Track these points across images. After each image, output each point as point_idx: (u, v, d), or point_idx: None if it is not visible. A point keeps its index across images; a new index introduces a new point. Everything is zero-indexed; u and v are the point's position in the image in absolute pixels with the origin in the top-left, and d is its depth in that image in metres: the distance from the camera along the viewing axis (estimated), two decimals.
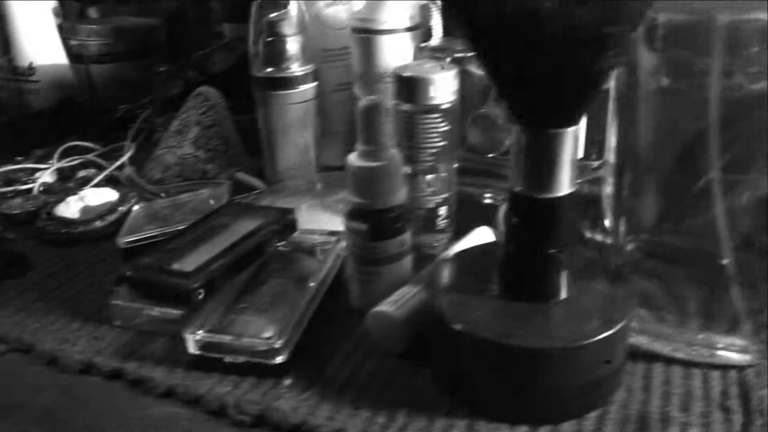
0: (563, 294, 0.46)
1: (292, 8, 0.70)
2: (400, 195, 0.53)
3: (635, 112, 0.48)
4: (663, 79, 0.47)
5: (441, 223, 0.63)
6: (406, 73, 0.59)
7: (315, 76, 0.73)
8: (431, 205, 0.62)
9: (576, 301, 0.46)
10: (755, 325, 0.49)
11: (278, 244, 0.62)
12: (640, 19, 0.39)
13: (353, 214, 0.53)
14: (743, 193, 0.47)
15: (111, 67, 1.03)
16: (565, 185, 0.43)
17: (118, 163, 0.82)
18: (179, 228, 0.63)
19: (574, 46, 0.37)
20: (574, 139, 0.42)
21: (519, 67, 0.39)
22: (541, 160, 0.42)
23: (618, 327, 0.44)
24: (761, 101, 0.45)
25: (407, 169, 0.60)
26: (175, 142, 0.79)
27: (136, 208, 0.72)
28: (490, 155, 0.69)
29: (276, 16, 0.70)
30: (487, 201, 0.71)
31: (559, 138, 0.42)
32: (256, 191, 0.74)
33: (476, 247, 0.55)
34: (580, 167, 0.73)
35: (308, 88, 0.72)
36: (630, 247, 0.51)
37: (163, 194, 0.76)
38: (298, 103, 0.72)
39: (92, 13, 1.14)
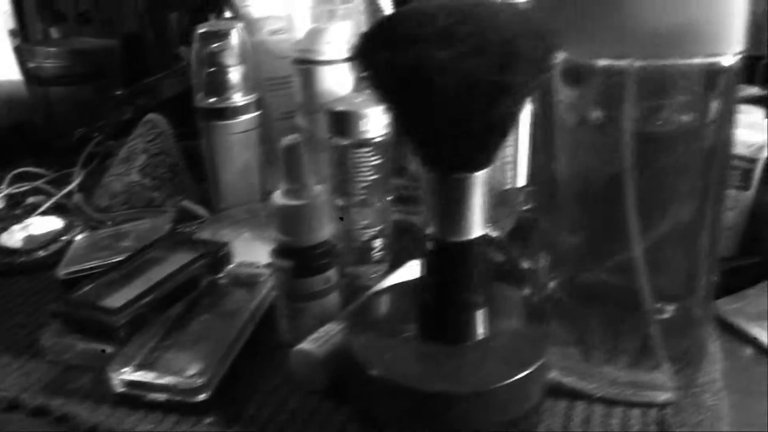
0: (480, 335, 0.46)
1: (234, 38, 0.71)
2: (325, 232, 0.53)
3: (553, 147, 0.48)
4: (594, 113, 0.47)
5: (376, 255, 0.63)
6: (338, 108, 0.59)
7: (258, 105, 0.73)
8: (365, 238, 0.62)
9: (493, 341, 0.46)
10: (676, 363, 0.49)
11: (215, 277, 0.62)
12: (541, 68, 0.39)
13: (278, 252, 0.53)
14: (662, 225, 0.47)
15: (69, 89, 1.03)
16: (475, 229, 0.43)
17: (66, 190, 0.82)
18: (117, 260, 0.63)
19: (471, 95, 0.37)
20: (484, 183, 0.42)
21: (420, 115, 0.39)
22: (449, 205, 0.43)
23: (532, 368, 0.44)
24: (687, 135, 0.46)
25: (340, 202, 0.60)
26: (123, 169, 0.79)
27: (78, 237, 0.72)
28: None
29: (217, 46, 0.70)
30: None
31: (467, 182, 0.42)
32: (199, 220, 0.74)
33: (400, 284, 0.55)
34: (526, 194, 0.74)
35: (251, 117, 0.72)
36: (553, 284, 0.51)
37: (109, 222, 0.76)
38: (241, 132, 0.72)
39: (54, 33, 1.14)
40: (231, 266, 0.63)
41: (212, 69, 0.71)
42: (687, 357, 0.50)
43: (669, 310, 0.49)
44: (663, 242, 0.48)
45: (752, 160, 0.65)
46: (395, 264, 0.63)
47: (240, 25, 0.72)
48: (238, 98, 0.72)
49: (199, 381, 0.50)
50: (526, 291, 0.53)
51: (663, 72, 0.43)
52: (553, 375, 0.51)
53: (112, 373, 0.51)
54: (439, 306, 0.46)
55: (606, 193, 0.47)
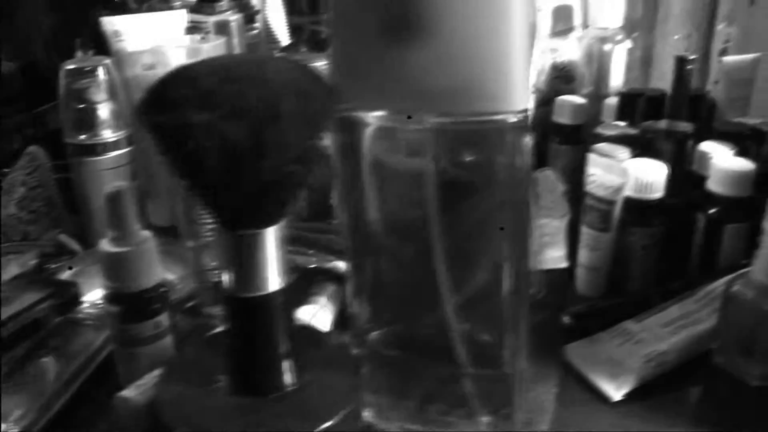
0: (287, 386, 0.46)
1: (101, 74, 0.70)
2: (153, 278, 0.53)
3: (363, 196, 0.48)
4: (401, 164, 0.47)
5: None
6: None
7: (129, 140, 0.73)
8: (217, 279, 0.62)
9: (301, 393, 0.46)
10: (496, 415, 0.49)
11: (68, 317, 0.61)
12: (312, 127, 0.39)
13: (107, 298, 0.53)
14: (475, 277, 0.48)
15: None
16: (271, 283, 0.43)
17: None
18: None
19: (234, 157, 0.37)
20: (275, 238, 0.42)
21: (193, 175, 0.39)
22: (240, 260, 0.43)
23: (333, 420, 0.44)
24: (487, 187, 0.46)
25: (191, 244, 0.60)
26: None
27: None
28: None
29: (84, 83, 0.70)
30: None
31: (255, 239, 0.42)
32: (71, 255, 0.74)
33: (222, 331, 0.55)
34: None
35: (121, 153, 0.72)
36: (373, 335, 0.51)
37: None
38: (111, 168, 0.72)
39: None
40: (86, 305, 0.63)
41: (81, 105, 0.70)
42: (508, 408, 0.50)
43: (485, 362, 0.49)
44: (476, 294, 0.48)
45: (610, 202, 0.65)
46: None
47: (108, 61, 0.72)
48: (108, 134, 0.71)
49: (15, 429, 0.49)
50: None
51: (456, 128, 0.44)
52: (376, 424, 0.51)
53: None
54: (240, 358, 0.46)
55: (416, 243, 0.47)
